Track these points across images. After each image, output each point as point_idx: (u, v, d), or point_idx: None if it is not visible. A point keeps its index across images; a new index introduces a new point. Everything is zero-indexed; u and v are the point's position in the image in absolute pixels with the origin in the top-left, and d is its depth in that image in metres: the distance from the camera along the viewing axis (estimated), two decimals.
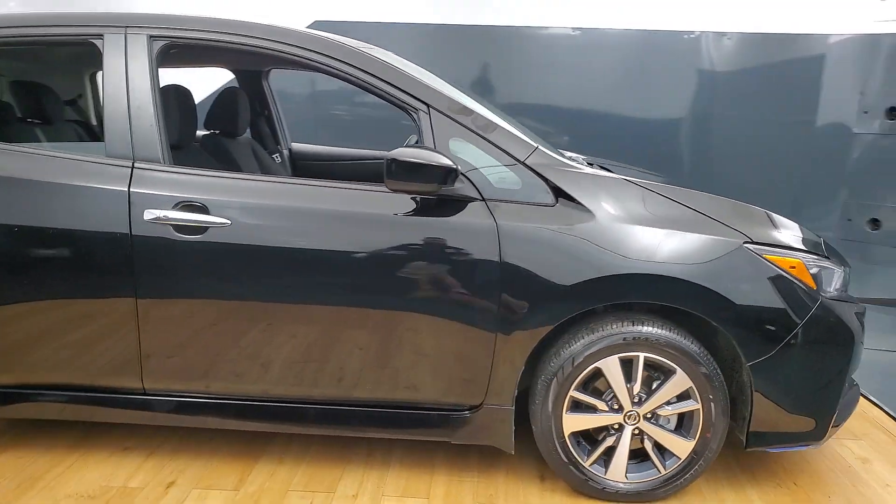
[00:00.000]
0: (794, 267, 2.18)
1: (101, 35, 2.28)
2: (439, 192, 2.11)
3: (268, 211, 2.19)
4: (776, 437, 2.27)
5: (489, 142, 2.21)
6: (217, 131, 2.98)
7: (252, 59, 3.27)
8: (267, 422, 2.36)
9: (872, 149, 4.82)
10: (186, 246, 2.16)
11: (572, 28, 4.92)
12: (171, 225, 2.16)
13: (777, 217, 2.39)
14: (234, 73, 3.60)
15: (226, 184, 2.23)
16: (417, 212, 2.17)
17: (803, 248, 2.27)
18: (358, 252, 2.15)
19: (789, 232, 2.33)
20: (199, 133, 2.84)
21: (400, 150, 2.07)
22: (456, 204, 2.17)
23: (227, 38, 2.27)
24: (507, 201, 2.18)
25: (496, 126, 2.25)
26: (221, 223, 2.15)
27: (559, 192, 2.20)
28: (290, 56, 2.26)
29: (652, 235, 2.15)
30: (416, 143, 2.26)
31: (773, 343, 2.15)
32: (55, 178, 2.21)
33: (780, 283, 2.15)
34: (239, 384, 2.29)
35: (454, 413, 2.30)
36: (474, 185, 2.17)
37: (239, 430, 2.53)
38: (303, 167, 3.83)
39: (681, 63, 4.84)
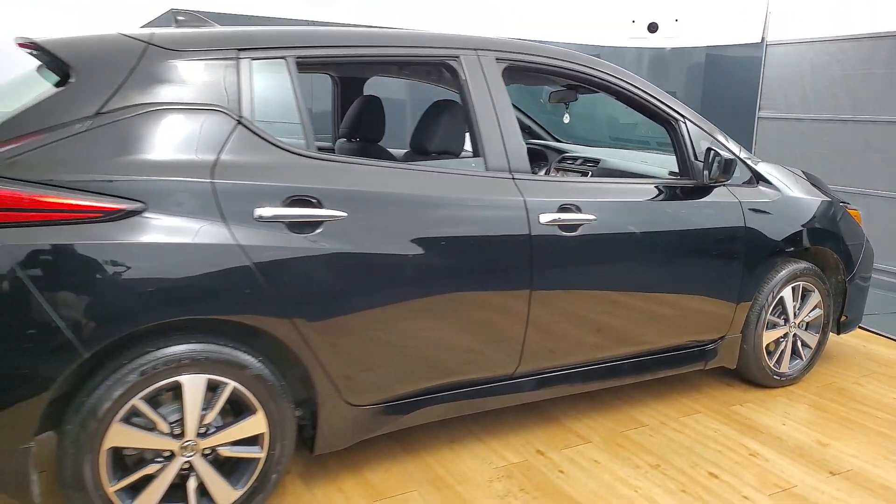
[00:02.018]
0: (856, 216, 3.50)
1: (458, 56, 2.45)
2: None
3: (620, 207, 2.68)
4: (853, 323, 3.60)
5: (720, 143, 3.03)
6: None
7: (568, 80, 3.21)
8: (593, 382, 2.82)
9: None
10: (567, 241, 2.53)
11: None
12: (557, 225, 2.50)
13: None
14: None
15: (587, 187, 2.64)
16: (688, 195, 2.89)
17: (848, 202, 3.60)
18: (659, 231, 2.77)
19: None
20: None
21: (722, 151, 2.79)
22: (709, 189, 2.95)
23: (553, 62, 2.65)
24: (734, 185, 3.03)
25: (717, 131, 3.08)
26: (590, 220, 2.57)
27: (759, 178, 3.14)
28: (596, 79, 2.75)
29: (808, 203, 3.24)
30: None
31: (853, 264, 3.44)
32: (464, 193, 2.35)
33: (857, 228, 3.44)
34: (561, 357, 2.70)
35: (707, 346, 3.09)
36: None
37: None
38: None
39: None
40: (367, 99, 3.20)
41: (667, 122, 2.96)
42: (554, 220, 2.49)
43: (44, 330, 1.74)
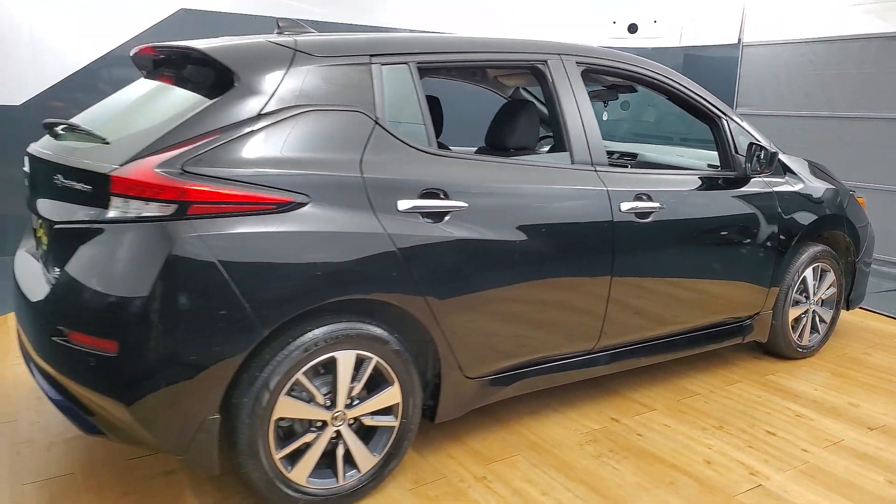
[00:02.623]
0: (862, 202, 3.90)
1: (546, 61, 2.70)
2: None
3: (681, 196, 2.97)
4: (858, 300, 4.00)
5: (755, 138, 3.36)
6: None
7: (630, 82, 3.38)
8: (655, 355, 3.11)
9: None
10: (642, 228, 2.81)
11: None
12: (634, 213, 2.78)
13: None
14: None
15: (654, 178, 2.92)
16: (732, 185, 3.21)
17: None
18: (712, 218, 3.09)
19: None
20: None
21: (764, 145, 3.11)
22: (748, 180, 3.28)
23: (620, 65, 2.93)
24: (768, 177, 3.37)
25: (752, 127, 3.41)
26: (659, 208, 2.86)
27: (786, 169, 3.49)
28: (654, 80, 3.03)
29: (825, 191, 3.62)
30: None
31: (861, 246, 3.84)
32: (559, 184, 2.60)
33: (863, 213, 3.84)
34: (631, 334, 2.99)
35: (745, 322, 3.42)
36: None
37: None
38: None
39: None
40: (430, 99, 3.41)
41: (711, 120, 3.27)
42: (632, 209, 2.76)
43: (232, 309, 1.92)
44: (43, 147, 2.30)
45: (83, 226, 1.97)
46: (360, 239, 2.10)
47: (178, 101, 2.20)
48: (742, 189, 3.23)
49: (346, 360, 2.15)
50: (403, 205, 2.20)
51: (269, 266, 1.97)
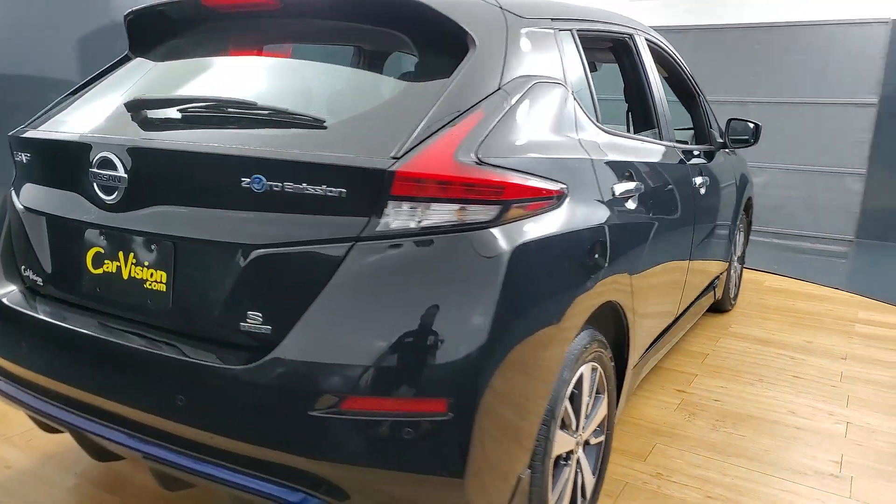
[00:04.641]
0: None
1: (633, 35, 2.59)
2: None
3: (710, 170, 3.12)
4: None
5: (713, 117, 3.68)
6: None
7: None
8: (689, 321, 3.25)
9: None
10: (704, 199, 2.93)
11: None
12: (702, 188, 2.86)
13: None
14: None
15: (691, 149, 3.00)
16: (711, 156, 3.49)
17: None
18: (718, 181, 3.33)
19: None
20: None
21: (742, 120, 3.40)
22: (718, 151, 3.59)
23: (658, 42, 2.94)
24: (728, 149, 3.72)
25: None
26: (707, 181, 2.98)
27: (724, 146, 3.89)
28: (667, 57, 3.10)
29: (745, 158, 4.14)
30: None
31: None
32: (674, 160, 2.56)
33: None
34: (687, 300, 3.07)
35: (718, 277, 3.75)
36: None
37: None
38: None
39: None
40: None
41: (692, 97, 3.47)
42: (701, 183, 2.83)
43: (553, 331, 1.53)
44: (160, 137, 1.54)
45: (330, 246, 1.37)
46: (603, 231, 1.82)
47: (390, 68, 1.66)
48: (722, 159, 3.52)
49: (588, 372, 1.85)
50: (619, 188, 1.96)
51: (565, 277, 1.60)
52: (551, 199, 1.58)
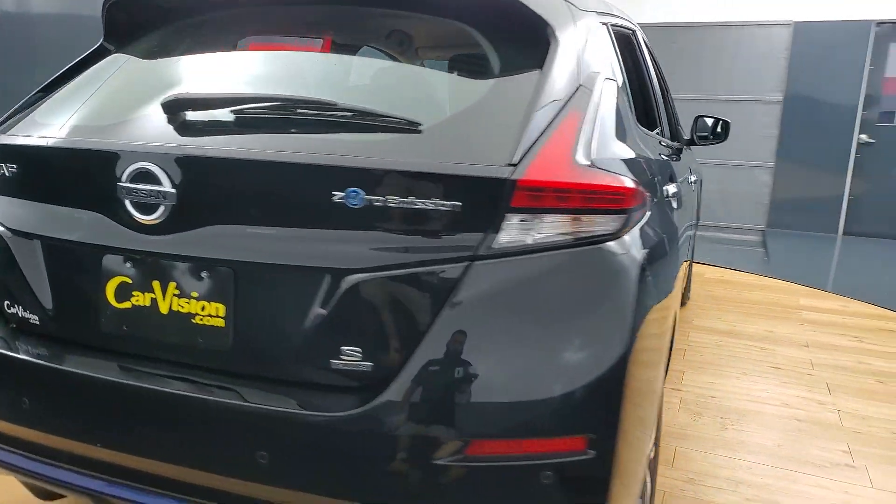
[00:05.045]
0: None
1: (635, 31, 2.52)
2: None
3: (684, 163, 3.12)
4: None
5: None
6: None
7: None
8: None
9: None
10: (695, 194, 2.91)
11: None
12: (694, 183, 2.85)
13: None
14: None
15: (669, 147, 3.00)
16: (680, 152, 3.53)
17: None
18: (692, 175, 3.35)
19: None
20: None
21: (707, 118, 3.44)
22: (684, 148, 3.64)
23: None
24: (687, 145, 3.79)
25: None
26: (697, 178, 2.98)
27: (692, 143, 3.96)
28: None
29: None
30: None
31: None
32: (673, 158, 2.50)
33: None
34: None
35: None
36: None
37: None
38: None
39: None
40: None
41: (662, 93, 3.48)
42: (694, 180, 2.83)
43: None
44: (216, 144, 1.29)
45: (443, 267, 1.19)
46: (675, 233, 1.75)
47: (459, 64, 1.48)
48: (688, 154, 3.56)
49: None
50: (670, 189, 1.88)
51: (665, 286, 1.51)
52: (646, 204, 1.47)
